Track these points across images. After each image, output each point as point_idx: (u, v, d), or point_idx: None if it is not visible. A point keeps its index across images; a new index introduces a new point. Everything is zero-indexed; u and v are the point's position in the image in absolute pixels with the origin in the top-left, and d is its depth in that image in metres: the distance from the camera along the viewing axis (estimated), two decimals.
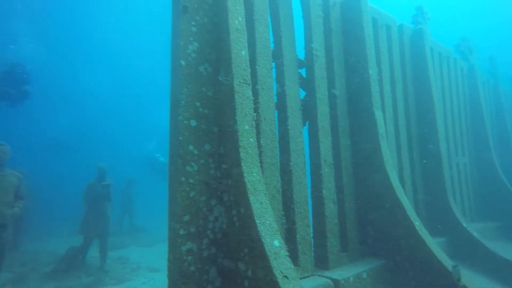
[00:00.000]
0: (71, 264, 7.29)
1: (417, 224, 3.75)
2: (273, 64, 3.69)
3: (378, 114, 4.31)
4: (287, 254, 2.53)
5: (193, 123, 2.90)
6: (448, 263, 3.43)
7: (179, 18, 3.03)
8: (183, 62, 2.94)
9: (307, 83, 4.05)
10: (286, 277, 2.35)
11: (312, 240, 3.66)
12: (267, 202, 2.72)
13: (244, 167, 2.73)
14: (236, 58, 2.97)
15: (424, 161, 5.39)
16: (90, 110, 31.44)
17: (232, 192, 2.84)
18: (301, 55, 4.08)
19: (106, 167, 7.45)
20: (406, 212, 3.84)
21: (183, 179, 2.75)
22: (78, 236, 10.34)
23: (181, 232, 2.69)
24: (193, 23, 3.09)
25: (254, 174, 2.78)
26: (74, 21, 30.92)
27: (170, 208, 2.81)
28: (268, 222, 2.61)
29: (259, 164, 2.87)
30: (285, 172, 3.56)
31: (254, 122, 2.95)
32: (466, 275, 3.25)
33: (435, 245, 3.65)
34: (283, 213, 3.35)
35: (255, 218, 2.55)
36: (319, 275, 3.52)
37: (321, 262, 3.76)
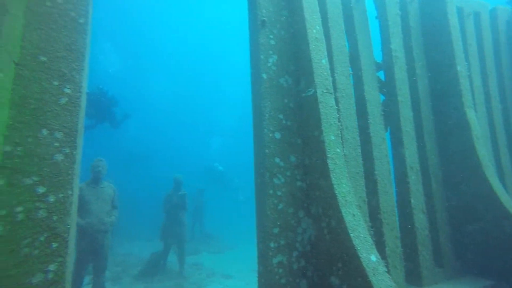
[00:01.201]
0: (154, 268, 7.90)
1: None
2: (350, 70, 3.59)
3: (470, 114, 3.88)
4: (386, 270, 2.38)
5: (277, 135, 2.94)
6: None
7: (258, 32, 3.12)
8: (264, 76, 3.01)
9: (386, 87, 3.84)
10: None
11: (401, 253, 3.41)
12: (359, 214, 2.62)
13: (334, 179, 2.66)
14: (317, 67, 2.94)
15: None
16: (157, 121, 33.00)
17: (320, 204, 2.79)
18: (378, 57, 3.89)
19: (182, 178, 7.96)
20: None
21: (271, 191, 2.79)
22: (156, 241, 11.20)
23: (272, 244, 2.72)
24: (271, 36, 3.16)
25: (344, 185, 2.70)
26: (141, 33, 32.53)
27: (259, 220, 2.86)
28: (362, 235, 2.50)
29: (347, 175, 2.78)
30: (370, 181, 3.39)
31: (339, 132, 2.88)
32: None
33: None
34: (370, 224, 3.20)
35: (349, 232, 2.46)
36: None
37: (413, 278, 3.48)
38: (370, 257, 2.39)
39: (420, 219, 3.55)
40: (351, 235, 2.45)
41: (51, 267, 1.98)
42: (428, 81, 4.10)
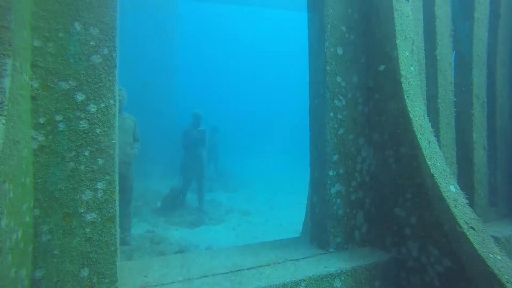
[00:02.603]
0: (174, 203, 8.01)
1: None
2: None
3: None
4: (467, 202, 2.13)
5: (339, 51, 2.49)
6: None
7: None
8: None
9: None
10: (472, 228, 1.98)
11: None
12: (435, 141, 2.29)
13: (407, 100, 2.29)
14: None
15: None
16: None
17: (386, 130, 2.45)
18: None
19: (201, 113, 7.63)
20: None
21: (331, 114, 2.44)
22: (171, 177, 11.28)
23: (330, 173, 2.45)
24: None
25: (418, 108, 2.33)
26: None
27: (315, 146, 2.56)
28: (439, 164, 2.20)
29: (422, 97, 2.39)
30: (431, 110, 3.01)
31: (415, 48, 2.42)
32: None
33: None
34: None
35: (426, 159, 2.16)
36: None
37: None
38: (449, 187, 2.12)
39: (480, 155, 3.24)
40: (428, 163, 2.15)
41: (99, 185, 1.73)
42: None
